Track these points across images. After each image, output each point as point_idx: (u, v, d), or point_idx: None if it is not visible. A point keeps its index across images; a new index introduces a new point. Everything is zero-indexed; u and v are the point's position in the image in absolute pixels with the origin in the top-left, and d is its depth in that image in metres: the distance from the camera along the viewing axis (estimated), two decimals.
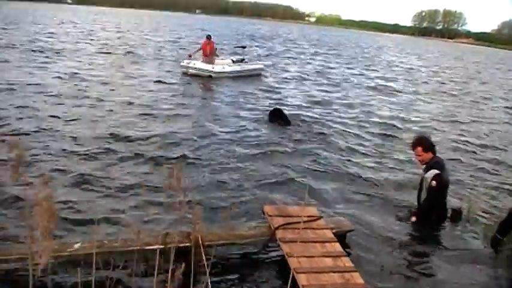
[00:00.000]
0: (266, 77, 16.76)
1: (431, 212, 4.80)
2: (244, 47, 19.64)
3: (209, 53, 15.84)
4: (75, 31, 30.68)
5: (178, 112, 9.43)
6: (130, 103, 9.83)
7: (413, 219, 4.79)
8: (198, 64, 15.28)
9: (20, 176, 1.61)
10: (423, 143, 4.86)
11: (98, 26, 38.31)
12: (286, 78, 17.03)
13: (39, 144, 6.45)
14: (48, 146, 6.43)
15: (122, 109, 9.20)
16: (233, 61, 16.27)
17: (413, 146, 4.92)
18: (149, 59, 18.72)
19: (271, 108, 9.90)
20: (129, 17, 69.44)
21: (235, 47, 21.63)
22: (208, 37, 16.16)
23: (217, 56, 16.32)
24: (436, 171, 4.61)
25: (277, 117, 9.38)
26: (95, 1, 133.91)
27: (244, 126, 8.78)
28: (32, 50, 17.92)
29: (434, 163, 4.73)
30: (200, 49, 16.18)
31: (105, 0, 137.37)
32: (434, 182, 4.59)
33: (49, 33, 26.93)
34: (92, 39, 25.27)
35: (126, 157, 6.25)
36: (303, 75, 18.19)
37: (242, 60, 16.69)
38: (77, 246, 3.35)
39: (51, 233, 1.57)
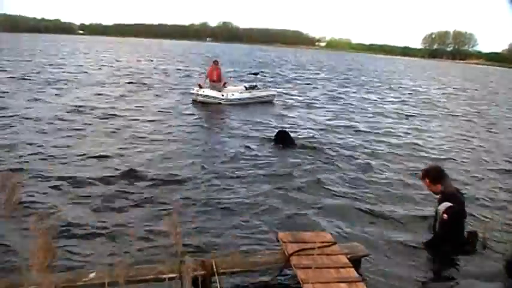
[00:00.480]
0: (278, 103, 16.88)
1: (446, 243, 4.66)
2: (256, 74, 19.92)
3: (216, 78, 15.74)
4: (84, 62, 31.42)
5: (187, 146, 9.21)
6: (138, 137, 9.69)
7: (427, 249, 4.70)
8: (208, 91, 15.42)
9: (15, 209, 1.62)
10: (430, 174, 4.75)
11: (108, 56, 39.14)
12: (297, 104, 17.15)
13: (42, 183, 6.37)
14: (54, 185, 6.32)
15: (129, 144, 9.04)
16: (246, 88, 16.46)
17: (422, 177, 4.86)
18: (159, 88, 18.97)
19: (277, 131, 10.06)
20: (138, 46, 70.80)
21: (248, 74, 21.94)
22: (215, 62, 16.18)
23: (224, 80, 16.19)
24: (448, 204, 4.45)
25: (281, 139, 9.46)
26: (107, 31, 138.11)
27: (255, 156, 8.65)
28: (41, 82, 18.35)
29: (449, 195, 4.57)
30: (207, 77, 16.08)
31: (116, 30, 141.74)
32: (445, 216, 4.44)
33: (58, 64, 27.64)
34: (101, 70, 25.86)
35: (133, 196, 6.06)
36: (314, 101, 18.31)
37: (255, 87, 16.85)
38: (91, 276, 3.36)
39: (49, 266, 1.55)
